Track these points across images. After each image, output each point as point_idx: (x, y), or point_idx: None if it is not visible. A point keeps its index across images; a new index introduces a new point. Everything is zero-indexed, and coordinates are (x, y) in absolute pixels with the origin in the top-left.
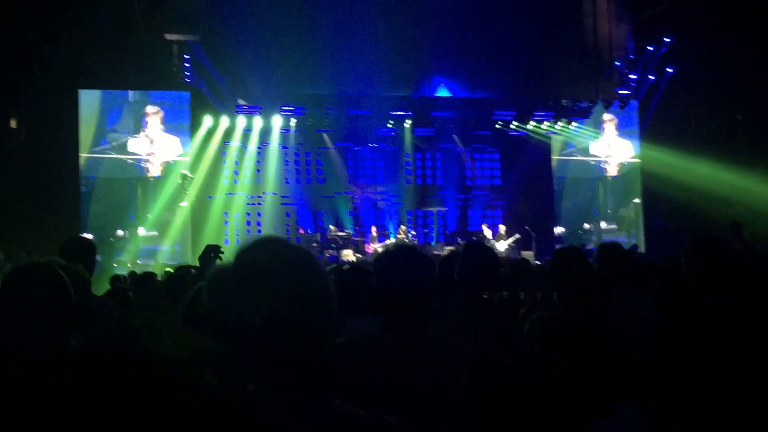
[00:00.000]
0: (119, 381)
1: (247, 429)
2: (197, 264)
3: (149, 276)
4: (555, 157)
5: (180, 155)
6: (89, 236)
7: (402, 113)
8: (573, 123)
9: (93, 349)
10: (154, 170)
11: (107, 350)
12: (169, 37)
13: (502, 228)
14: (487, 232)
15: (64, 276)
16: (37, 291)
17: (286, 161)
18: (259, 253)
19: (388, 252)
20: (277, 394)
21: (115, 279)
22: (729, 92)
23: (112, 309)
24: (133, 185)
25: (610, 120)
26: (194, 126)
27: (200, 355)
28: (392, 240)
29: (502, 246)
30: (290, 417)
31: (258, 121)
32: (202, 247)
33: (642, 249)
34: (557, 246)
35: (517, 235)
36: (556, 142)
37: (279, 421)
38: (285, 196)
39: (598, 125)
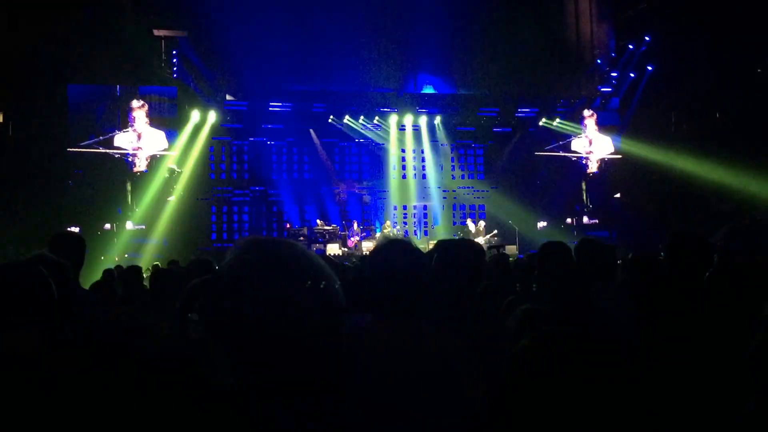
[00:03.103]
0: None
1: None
2: (185, 263)
3: (136, 270)
4: (538, 153)
5: (165, 149)
6: (76, 230)
7: (388, 109)
8: (555, 119)
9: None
10: (141, 165)
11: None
12: (156, 32)
13: (481, 224)
14: (471, 226)
15: (46, 274)
16: (17, 291)
17: (273, 156)
18: (271, 247)
19: (382, 246)
20: (276, 395)
21: (107, 273)
22: (707, 89)
23: (94, 303)
24: (121, 179)
25: (591, 116)
26: (181, 121)
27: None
28: (378, 234)
29: (479, 242)
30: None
31: (245, 116)
32: (190, 241)
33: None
34: (542, 241)
35: (495, 231)
36: (538, 138)
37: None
38: (272, 191)
39: (580, 122)
